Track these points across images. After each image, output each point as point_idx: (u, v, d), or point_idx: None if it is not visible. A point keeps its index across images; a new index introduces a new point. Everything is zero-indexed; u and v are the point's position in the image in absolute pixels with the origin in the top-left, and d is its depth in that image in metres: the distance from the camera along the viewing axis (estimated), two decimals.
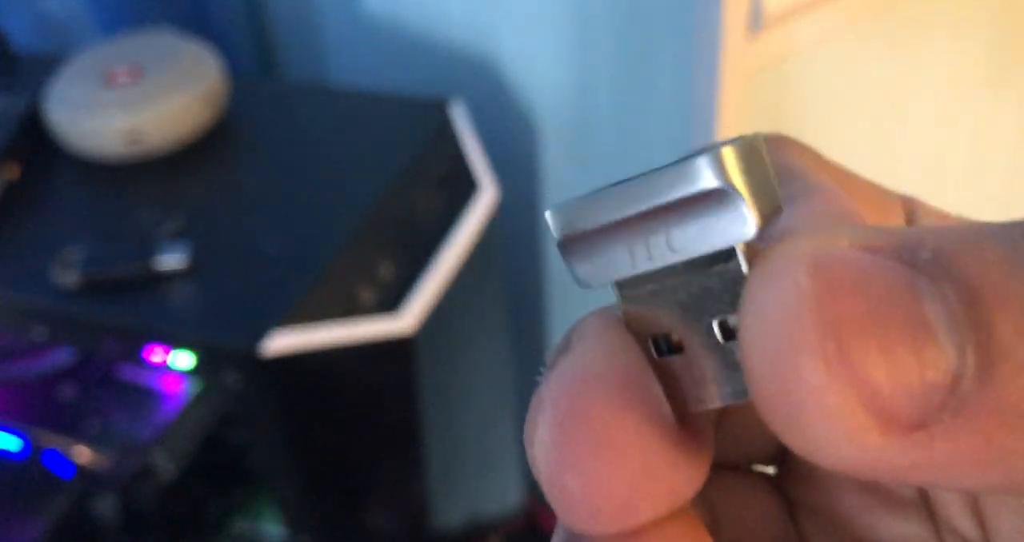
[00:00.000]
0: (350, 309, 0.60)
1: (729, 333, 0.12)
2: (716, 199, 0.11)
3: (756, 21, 0.62)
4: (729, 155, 0.11)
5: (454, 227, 0.68)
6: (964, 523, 0.14)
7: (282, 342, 0.55)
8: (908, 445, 0.09)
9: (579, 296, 0.93)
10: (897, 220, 0.15)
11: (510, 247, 0.91)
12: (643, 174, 0.12)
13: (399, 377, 0.65)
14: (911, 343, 0.09)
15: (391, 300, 0.63)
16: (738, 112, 0.66)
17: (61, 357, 0.78)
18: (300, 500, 0.65)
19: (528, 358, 1.04)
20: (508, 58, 0.82)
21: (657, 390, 0.12)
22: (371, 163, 0.68)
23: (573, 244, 0.12)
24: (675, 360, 0.13)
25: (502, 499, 0.99)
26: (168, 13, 0.90)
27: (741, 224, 0.11)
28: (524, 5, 0.77)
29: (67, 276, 0.59)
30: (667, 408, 0.12)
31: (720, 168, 0.11)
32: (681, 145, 0.69)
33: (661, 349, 0.13)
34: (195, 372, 0.59)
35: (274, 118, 0.75)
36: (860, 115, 0.80)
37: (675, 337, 0.12)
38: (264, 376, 0.57)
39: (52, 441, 0.76)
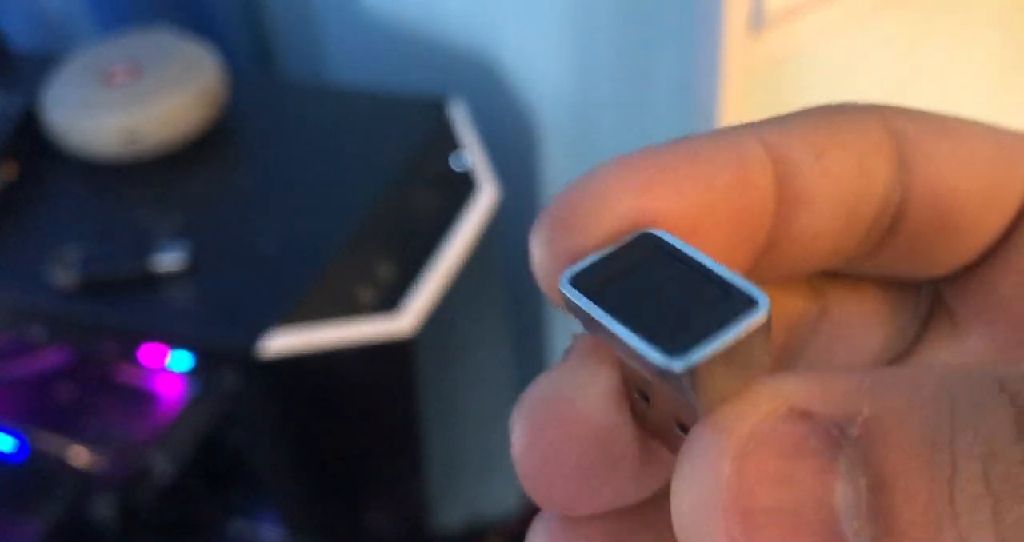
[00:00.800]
0: (349, 309, 0.60)
1: (683, 429, 0.12)
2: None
3: (758, 20, 0.62)
4: (706, 370, 0.11)
5: (453, 227, 0.68)
6: None
7: (281, 342, 0.55)
8: None
9: None
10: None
11: (510, 247, 0.91)
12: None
13: (398, 377, 0.65)
14: (814, 538, 0.10)
15: (390, 300, 0.63)
16: (739, 112, 0.66)
17: (59, 357, 0.78)
18: (299, 501, 0.65)
19: (528, 358, 1.04)
20: (508, 57, 0.82)
21: (618, 424, 0.13)
22: (370, 163, 0.68)
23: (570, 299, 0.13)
24: (644, 404, 0.13)
25: (501, 500, 0.99)
26: (166, 12, 0.90)
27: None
28: (524, 4, 0.77)
29: (65, 276, 0.59)
30: (621, 438, 0.13)
31: (689, 376, 0.11)
32: None
33: (637, 390, 0.13)
34: (193, 372, 0.59)
35: (273, 117, 0.75)
36: None
37: (648, 391, 0.13)
38: (262, 377, 0.57)
39: (50, 442, 0.76)
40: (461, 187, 0.72)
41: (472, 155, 0.73)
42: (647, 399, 0.13)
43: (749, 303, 0.11)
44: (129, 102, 0.68)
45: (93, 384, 0.78)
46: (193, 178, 0.69)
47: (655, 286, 0.12)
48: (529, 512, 1.13)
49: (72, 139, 0.70)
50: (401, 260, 0.65)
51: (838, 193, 0.14)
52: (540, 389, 0.13)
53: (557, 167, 0.85)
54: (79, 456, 0.75)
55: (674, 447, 0.12)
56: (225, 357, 0.57)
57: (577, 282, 0.12)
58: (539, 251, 0.13)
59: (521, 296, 0.97)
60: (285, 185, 0.67)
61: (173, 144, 0.70)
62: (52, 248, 0.62)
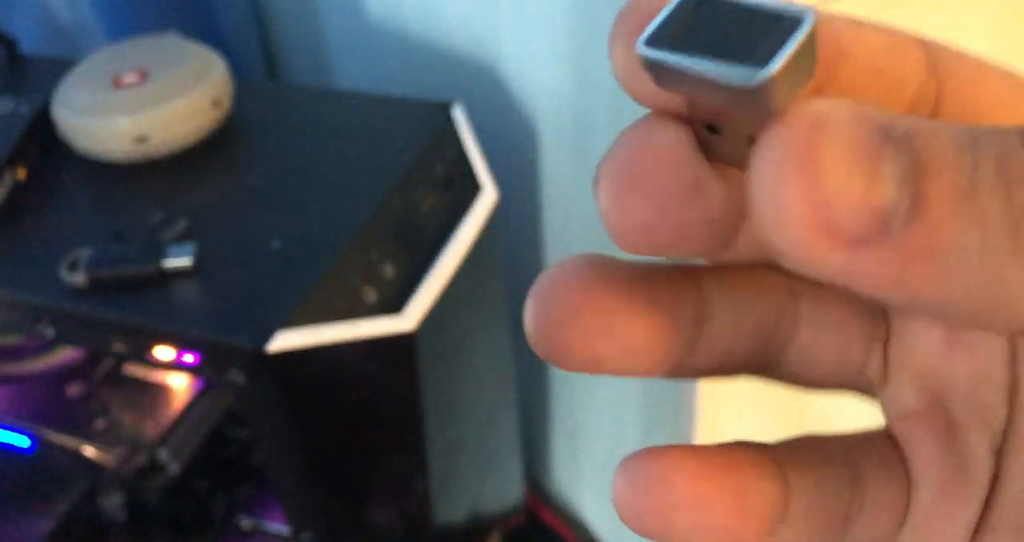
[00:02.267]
0: (354, 308, 0.61)
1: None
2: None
3: None
4: (780, 78, 0.13)
5: (455, 227, 0.68)
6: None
7: (286, 341, 0.56)
8: (849, 256, 0.13)
9: None
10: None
11: (510, 247, 0.92)
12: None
13: (401, 375, 0.66)
14: (862, 176, 0.13)
15: (394, 299, 0.63)
16: None
17: (69, 356, 0.79)
18: (303, 496, 0.65)
19: (528, 357, 1.05)
20: (508, 63, 0.83)
21: (693, 152, 0.15)
22: (374, 165, 0.69)
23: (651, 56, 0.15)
24: (715, 137, 0.15)
25: (503, 495, 1.00)
26: (174, 22, 0.91)
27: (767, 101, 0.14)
28: (524, 10, 0.77)
29: (74, 276, 0.59)
30: (698, 164, 0.15)
31: (768, 85, 0.13)
32: None
33: (707, 128, 0.15)
34: (200, 370, 0.59)
35: (279, 120, 0.75)
36: None
37: (721, 122, 0.15)
38: (268, 374, 0.57)
39: (60, 438, 0.76)
40: (462, 189, 0.73)
41: (473, 158, 0.73)
42: (717, 133, 0.15)
43: (798, 21, 0.14)
44: (138, 105, 0.68)
45: (102, 381, 0.79)
46: (201, 179, 0.69)
47: (715, 30, 0.14)
48: (530, 508, 1.14)
49: (81, 141, 0.70)
50: (404, 260, 0.66)
51: (874, 55, 0.16)
52: (622, 136, 0.15)
53: (556, 170, 0.85)
54: (88, 452, 0.76)
55: (748, 162, 0.14)
56: (232, 355, 0.57)
57: (649, 44, 0.14)
58: (616, 49, 0.15)
59: (521, 295, 0.98)
60: (290, 186, 0.68)
61: (181, 146, 0.70)
62: (61, 248, 0.62)
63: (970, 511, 0.17)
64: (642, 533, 0.16)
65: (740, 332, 0.18)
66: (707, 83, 0.14)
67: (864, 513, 0.18)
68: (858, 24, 0.16)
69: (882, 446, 0.19)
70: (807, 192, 0.13)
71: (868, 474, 0.18)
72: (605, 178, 0.15)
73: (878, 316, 0.19)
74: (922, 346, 0.18)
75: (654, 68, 0.14)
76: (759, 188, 0.13)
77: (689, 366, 0.18)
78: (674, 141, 0.15)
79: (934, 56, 0.16)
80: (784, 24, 0.14)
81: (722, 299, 0.18)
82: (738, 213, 0.16)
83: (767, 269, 0.19)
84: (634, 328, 0.16)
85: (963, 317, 0.14)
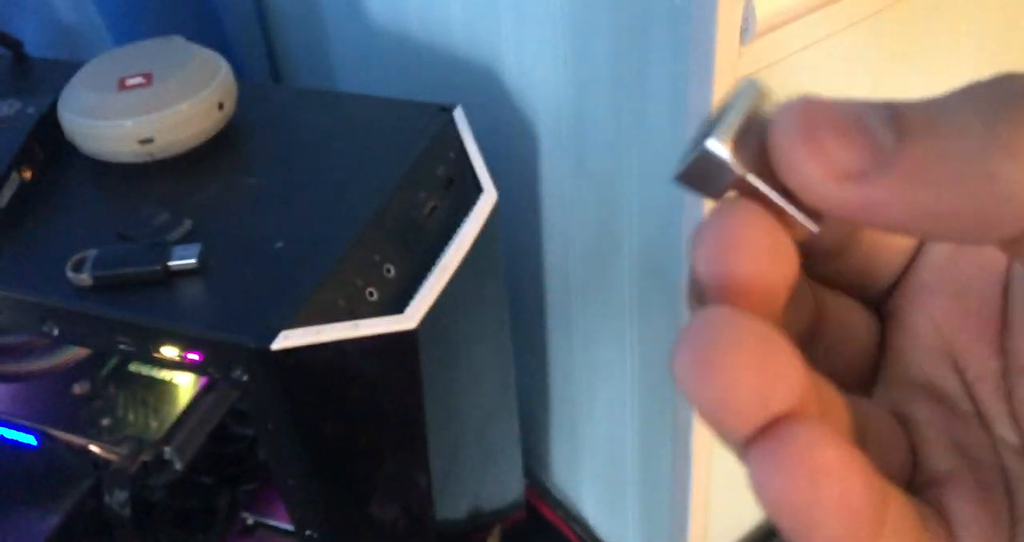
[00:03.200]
0: (356, 308, 0.61)
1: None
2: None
3: (748, 30, 0.63)
4: (725, 145, 0.18)
5: (456, 228, 0.69)
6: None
7: (290, 340, 0.56)
8: (856, 188, 0.16)
9: (575, 295, 0.94)
10: None
11: (510, 248, 0.92)
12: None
13: (403, 374, 0.66)
14: (854, 129, 0.16)
15: (396, 299, 0.64)
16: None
17: (74, 354, 0.80)
18: (307, 493, 0.66)
19: (528, 356, 1.05)
20: (508, 67, 0.83)
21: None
22: (376, 166, 0.69)
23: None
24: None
25: (504, 492, 1.00)
26: (179, 25, 0.92)
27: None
28: (524, 16, 0.78)
29: (80, 276, 0.60)
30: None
31: (719, 150, 0.18)
32: (675, 149, 0.71)
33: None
34: (205, 369, 0.60)
35: (282, 122, 0.75)
36: None
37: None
38: (272, 372, 0.57)
39: (65, 436, 0.77)
40: (463, 190, 0.74)
41: (474, 160, 0.74)
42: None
43: (738, 97, 0.19)
44: (143, 107, 0.68)
45: (107, 380, 0.79)
46: (205, 180, 0.70)
47: (697, 138, 0.19)
48: (530, 504, 1.14)
49: (87, 142, 0.70)
50: (405, 260, 0.66)
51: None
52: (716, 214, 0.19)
53: (555, 171, 0.86)
54: (94, 449, 0.76)
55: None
56: (236, 353, 0.57)
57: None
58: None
59: (521, 295, 0.98)
60: (294, 188, 0.68)
61: (186, 147, 0.71)
62: (67, 248, 0.62)
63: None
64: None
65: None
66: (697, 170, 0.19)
67: None
68: None
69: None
70: (816, 154, 0.17)
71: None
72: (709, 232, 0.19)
73: None
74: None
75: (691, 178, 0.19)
76: (784, 160, 0.17)
77: None
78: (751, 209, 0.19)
79: None
80: (731, 107, 0.18)
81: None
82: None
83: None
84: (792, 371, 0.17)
85: (976, 227, 0.16)
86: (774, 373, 0.16)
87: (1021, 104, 0.16)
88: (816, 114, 0.17)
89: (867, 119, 0.17)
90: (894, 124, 0.16)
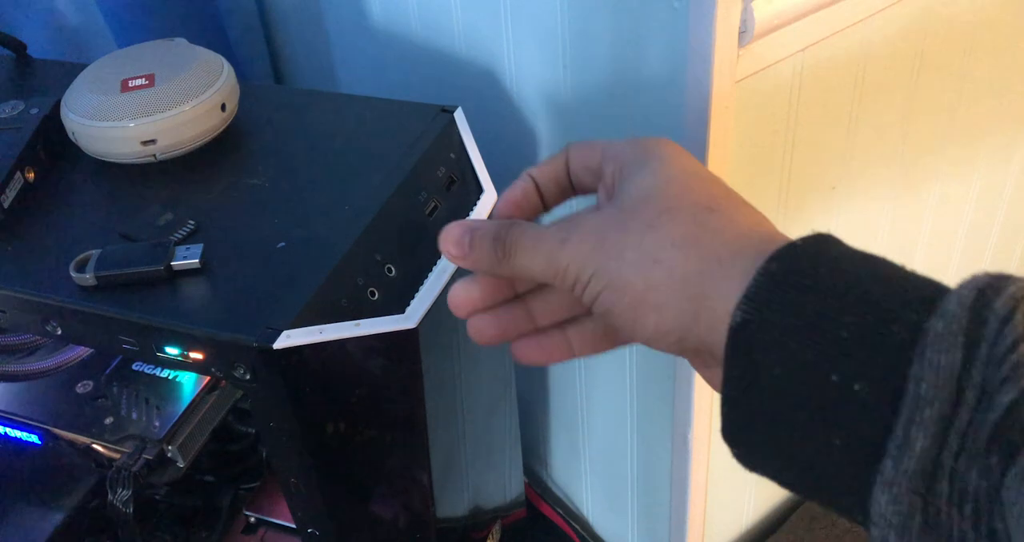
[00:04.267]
0: (358, 307, 0.62)
1: None
2: None
3: (747, 32, 0.64)
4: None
5: None
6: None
7: (292, 339, 0.56)
8: (468, 260, 0.41)
9: None
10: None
11: None
12: None
13: (404, 372, 0.66)
14: (477, 246, 0.41)
15: (397, 298, 0.64)
16: (729, 121, 0.68)
17: (77, 354, 0.80)
18: (309, 491, 0.66)
19: None
20: (507, 69, 0.84)
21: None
22: (378, 167, 0.69)
23: None
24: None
25: (504, 490, 1.01)
26: (181, 27, 0.92)
27: None
28: (523, 18, 0.78)
29: (84, 276, 0.60)
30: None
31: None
32: None
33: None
34: (207, 367, 0.60)
35: (284, 123, 0.76)
36: (856, 123, 0.81)
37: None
38: (274, 371, 0.58)
39: (68, 434, 0.78)
40: (464, 191, 0.74)
41: (474, 160, 0.74)
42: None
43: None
44: (146, 108, 0.69)
45: (110, 379, 0.80)
46: (208, 181, 0.70)
47: None
48: (530, 502, 1.15)
49: (90, 143, 0.71)
50: (407, 260, 0.67)
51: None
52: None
53: None
54: (97, 448, 0.77)
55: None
56: (238, 352, 0.58)
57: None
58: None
59: None
60: (296, 188, 0.69)
61: (188, 148, 0.71)
62: (71, 248, 0.63)
63: None
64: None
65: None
66: None
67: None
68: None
69: None
70: (455, 248, 0.41)
71: None
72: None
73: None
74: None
75: None
76: (445, 250, 0.42)
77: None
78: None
79: None
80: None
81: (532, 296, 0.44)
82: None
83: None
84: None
85: (552, 280, 0.38)
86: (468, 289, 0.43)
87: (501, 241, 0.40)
88: (454, 236, 0.42)
89: (481, 243, 0.41)
90: (501, 249, 0.40)
